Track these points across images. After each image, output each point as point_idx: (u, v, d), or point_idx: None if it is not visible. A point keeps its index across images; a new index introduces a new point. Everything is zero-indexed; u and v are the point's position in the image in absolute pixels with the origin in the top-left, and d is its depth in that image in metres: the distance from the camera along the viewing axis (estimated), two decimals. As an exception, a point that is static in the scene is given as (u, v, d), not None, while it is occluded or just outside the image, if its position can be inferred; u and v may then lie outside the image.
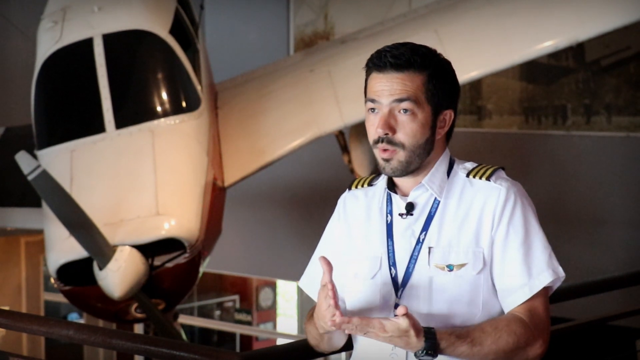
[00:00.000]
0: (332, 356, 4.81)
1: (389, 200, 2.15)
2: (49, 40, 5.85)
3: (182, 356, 2.75)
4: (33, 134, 5.82)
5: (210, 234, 5.62)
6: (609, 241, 7.57)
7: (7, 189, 6.51)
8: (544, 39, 5.93)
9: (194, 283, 5.49)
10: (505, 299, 2.06)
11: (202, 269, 5.55)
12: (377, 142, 2.08)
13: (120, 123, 5.57)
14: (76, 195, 4.94)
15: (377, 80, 2.08)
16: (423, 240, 2.08)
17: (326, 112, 6.23)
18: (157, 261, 5.28)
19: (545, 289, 2.06)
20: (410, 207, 2.11)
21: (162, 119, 5.64)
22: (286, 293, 12.64)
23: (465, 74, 5.87)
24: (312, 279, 2.25)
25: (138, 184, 5.34)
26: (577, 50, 7.60)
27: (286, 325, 12.58)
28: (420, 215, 2.10)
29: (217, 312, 12.69)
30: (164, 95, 5.79)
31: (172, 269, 5.28)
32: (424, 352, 1.94)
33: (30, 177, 4.68)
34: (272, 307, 12.72)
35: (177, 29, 6.03)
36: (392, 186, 2.16)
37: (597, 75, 7.72)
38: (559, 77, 7.90)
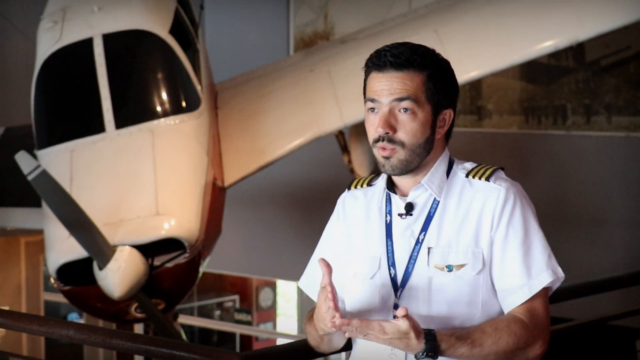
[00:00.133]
0: (332, 356, 4.81)
1: (388, 200, 2.15)
2: (49, 40, 5.85)
3: (182, 356, 2.74)
4: (33, 134, 5.81)
5: (210, 234, 5.62)
6: (609, 241, 7.57)
7: (7, 189, 6.51)
8: (544, 39, 5.93)
9: (194, 283, 5.49)
10: (505, 300, 2.05)
11: (202, 269, 5.55)
12: (377, 141, 2.08)
13: (120, 123, 5.57)
14: (76, 195, 4.94)
15: (377, 79, 2.08)
16: (422, 240, 2.08)
17: (326, 112, 6.23)
18: (157, 261, 5.27)
19: (545, 290, 2.05)
20: (409, 207, 2.11)
21: (162, 119, 5.64)
22: (286, 293, 12.64)
23: (465, 74, 5.87)
24: (311, 279, 2.25)
25: (138, 184, 5.34)
26: (577, 50, 7.60)
27: (286, 325, 12.58)
28: (419, 215, 2.10)
29: (217, 312, 12.68)
30: (164, 95, 5.78)
31: (172, 269, 5.28)
32: (424, 354, 1.94)
33: (30, 177, 4.68)
34: (272, 307, 12.72)
35: (177, 29, 6.03)
36: (391, 186, 2.15)
37: (597, 75, 7.72)
38: (559, 77, 7.90)
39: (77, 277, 5.24)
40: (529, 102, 8.05)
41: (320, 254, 2.22)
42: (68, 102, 5.88)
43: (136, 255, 4.97)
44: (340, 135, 7.19)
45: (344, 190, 2.28)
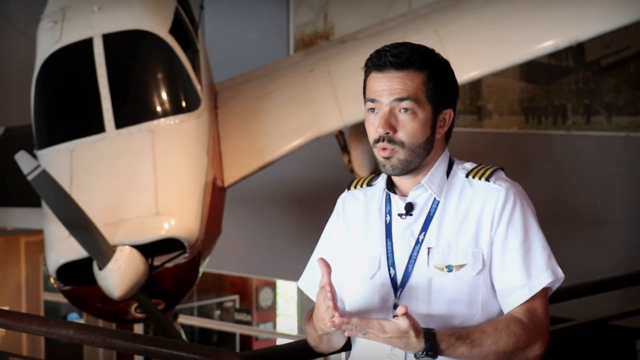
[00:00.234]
0: (332, 356, 4.80)
1: (388, 201, 2.15)
2: (49, 40, 5.85)
3: (182, 356, 2.74)
4: (33, 134, 5.81)
5: (210, 234, 5.62)
6: (609, 241, 7.57)
7: (7, 189, 6.51)
8: (544, 39, 5.93)
9: (194, 283, 5.49)
10: (505, 300, 2.05)
11: (202, 269, 5.55)
12: (377, 141, 2.07)
13: (120, 123, 5.57)
14: (76, 195, 4.94)
15: (377, 79, 2.08)
16: (422, 240, 2.07)
17: (326, 112, 6.22)
18: (157, 261, 5.27)
19: (545, 290, 2.05)
20: (409, 208, 2.11)
21: (162, 119, 5.63)
22: (286, 293, 12.64)
23: (465, 74, 5.86)
24: (311, 279, 2.25)
25: (138, 184, 5.34)
26: (577, 50, 7.60)
27: (286, 325, 12.58)
28: (419, 215, 2.10)
29: (217, 312, 12.68)
30: (164, 95, 5.78)
31: (172, 269, 5.28)
32: (424, 353, 1.94)
33: (30, 177, 4.68)
34: (272, 307, 12.72)
35: (177, 29, 6.03)
36: (391, 186, 2.15)
37: (597, 75, 7.72)
38: (559, 77, 7.90)
39: (77, 277, 5.24)
40: (529, 102, 8.04)
41: (320, 253, 2.22)
42: (68, 102, 5.88)
43: (136, 255, 4.97)
44: (340, 135, 7.19)
45: (343, 190, 2.28)
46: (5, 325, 3.34)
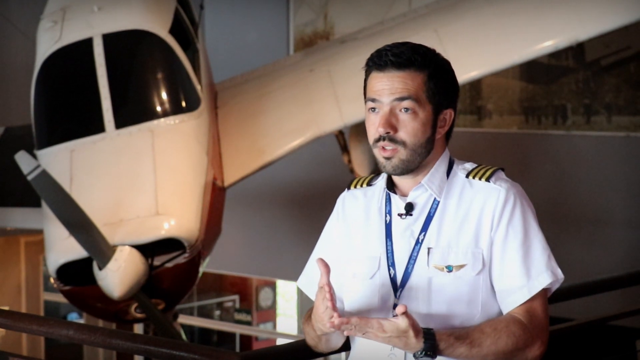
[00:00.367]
0: (332, 356, 4.81)
1: (388, 200, 2.15)
2: (49, 40, 5.85)
3: (182, 356, 2.74)
4: (33, 134, 5.81)
5: (210, 234, 5.62)
6: (609, 241, 7.57)
7: (7, 189, 6.51)
8: (544, 39, 5.93)
9: (193, 283, 5.49)
10: (504, 300, 2.05)
11: (202, 269, 5.55)
12: (377, 140, 2.07)
13: (120, 123, 5.57)
14: (76, 195, 4.94)
15: (378, 79, 2.08)
16: (422, 240, 2.07)
17: (326, 112, 6.22)
18: (157, 261, 5.27)
19: (544, 291, 2.05)
20: (409, 208, 2.11)
21: (162, 119, 5.63)
22: (286, 293, 12.64)
23: (465, 74, 5.86)
24: (310, 279, 2.25)
25: (138, 184, 5.34)
26: (577, 50, 7.60)
27: (286, 325, 12.57)
28: (419, 215, 2.10)
29: (217, 312, 12.68)
30: (164, 95, 5.78)
31: (172, 269, 5.28)
32: (423, 353, 1.94)
33: (30, 177, 4.68)
34: (272, 307, 12.72)
35: (177, 29, 6.03)
36: (391, 186, 2.15)
37: (597, 75, 7.72)
38: (559, 77, 7.90)
39: (77, 277, 5.24)
40: (529, 102, 8.04)
41: (319, 253, 2.22)
42: (68, 102, 5.88)
43: (136, 255, 4.97)
44: (340, 135, 7.19)
45: (343, 190, 2.27)
46: (5, 325, 3.34)
